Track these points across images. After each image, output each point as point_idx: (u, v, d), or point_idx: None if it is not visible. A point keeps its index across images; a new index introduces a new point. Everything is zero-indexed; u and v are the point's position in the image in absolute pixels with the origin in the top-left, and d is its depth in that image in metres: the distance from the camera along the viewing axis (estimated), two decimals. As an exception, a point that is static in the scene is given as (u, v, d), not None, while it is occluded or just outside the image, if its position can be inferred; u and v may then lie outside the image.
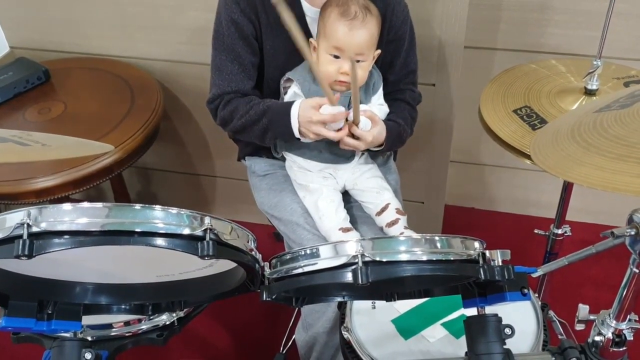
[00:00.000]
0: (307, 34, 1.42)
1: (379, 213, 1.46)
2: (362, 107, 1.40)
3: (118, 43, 2.04)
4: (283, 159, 1.56)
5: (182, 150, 2.26)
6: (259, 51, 1.43)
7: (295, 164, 1.49)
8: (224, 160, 2.24)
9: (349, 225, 1.42)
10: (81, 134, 1.69)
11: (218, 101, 1.45)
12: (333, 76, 1.35)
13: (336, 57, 1.33)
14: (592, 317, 1.02)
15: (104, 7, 1.96)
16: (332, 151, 1.45)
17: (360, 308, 1.27)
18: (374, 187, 1.49)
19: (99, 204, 0.79)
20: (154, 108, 1.84)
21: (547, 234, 1.64)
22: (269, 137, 1.42)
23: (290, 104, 1.36)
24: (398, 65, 1.50)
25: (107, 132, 1.74)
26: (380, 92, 1.48)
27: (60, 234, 0.76)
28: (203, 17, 1.85)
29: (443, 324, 1.25)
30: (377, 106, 1.47)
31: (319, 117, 1.30)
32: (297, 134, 1.35)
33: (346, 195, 1.52)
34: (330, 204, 1.43)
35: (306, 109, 1.32)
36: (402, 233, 1.40)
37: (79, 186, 1.68)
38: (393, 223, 1.43)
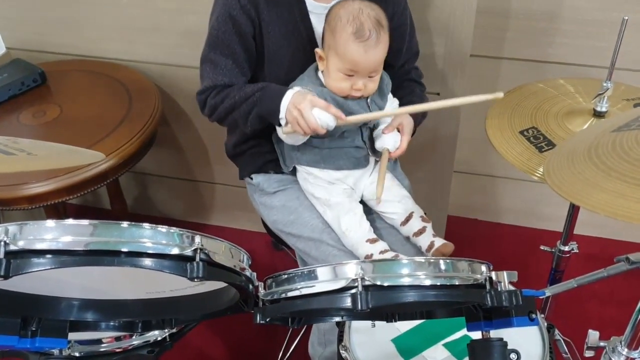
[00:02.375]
0: (311, 32, 1.38)
1: (404, 223, 1.42)
2: (386, 119, 1.43)
3: (116, 46, 2.00)
4: (292, 174, 1.51)
5: (180, 155, 2.22)
6: (254, 51, 1.39)
7: (310, 175, 1.44)
8: (223, 167, 2.20)
9: (374, 236, 1.38)
10: (76, 139, 1.66)
11: (209, 91, 1.40)
12: (346, 92, 1.32)
13: (349, 75, 1.30)
14: (602, 344, 0.98)
15: (103, 9, 1.92)
16: (346, 155, 1.42)
17: (359, 326, 1.23)
18: (395, 197, 1.45)
19: (85, 221, 0.75)
20: (152, 113, 1.80)
21: (553, 250, 1.59)
22: (252, 115, 1.35)
23: (289, 87, 1.33)
24: (404, 50, 1.49)
25: (102, 137, 1.70)
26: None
27: (40, 253, 0.71)
28: (203, 21, 1.79)
29: (445, 345, 1.21)
30: (391, 102, 1.46)
31: (309, 114, 1.25)
32: (282, 113, 1.30)
33: (364, 207, 1.47)
34: (354, 217, 1.38)
35: (301, 97, 1.28)
36: (432, 242, 1.37)
37: (73, 192, 1.64)
38: (420, 232, 1.39)
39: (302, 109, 1.25)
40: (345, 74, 1.29)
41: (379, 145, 1.41)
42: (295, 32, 1.37)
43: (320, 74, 1.36)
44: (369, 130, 1.45)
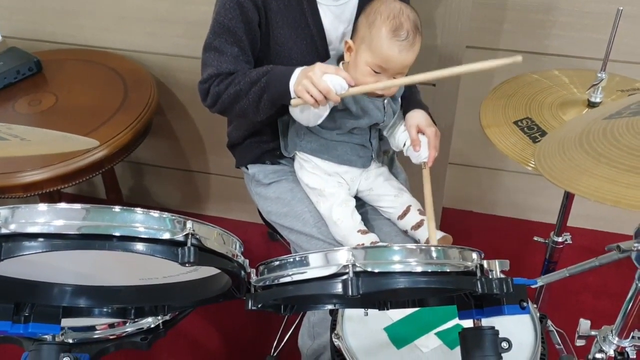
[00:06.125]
0: (319, 23, 1.36)
1: (401, 217, 1.42)
2: (400, 126, 1.44)
3: (113, 35, 1.99)
4: (289, 163, 1.51)
5: (175, 145, 2.22)
6: (259, 41, 1.37)
7: (309, 164, 1.43)
8: (218, 157, 2.20)
9: (365, 228, 1.38)
10: (71, 127, 1.65)
11: (213, 79, 1.35)
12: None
13: (376, 72, 1.28)
14: (593, 333, 0.98)
15: (100, -1, 1.92)
16: (352, 151, 1.42)
17: (352, 315, 1.23)
18: (392, 191, 1.46)
19: (77, 206, 0.75)
20: (147, 102, 1.80)
21: (546, 241, 1.59)
22: (263, 102, 1.31)
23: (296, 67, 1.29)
24: None
25: (98, 125, 1.69)
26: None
27: (32, 236, 0.71)
28: (201, 11, 1.81)
29: (437, 334, 1.21)
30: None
31: (320, 79, 1.21)
32: (291, 88, 1.26)
33: (358, 200, 1.47)
34: (346, 208, 1.39)
35: (309, 67, 1.25)
36: None
37: (68, 181, 1.64)
38: (419, 225, 1.40)
39: (312, 76, 1.21)
40: (373, 69, 1.28)
41: (416, 161, 1.40)
42: (303, 23, 1.35)
43: (341, 67, 1.35)
44: (377, 133, 1.45)
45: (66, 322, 0.98)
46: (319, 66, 1.23)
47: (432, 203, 1.33)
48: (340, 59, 1.38)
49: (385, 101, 1.37)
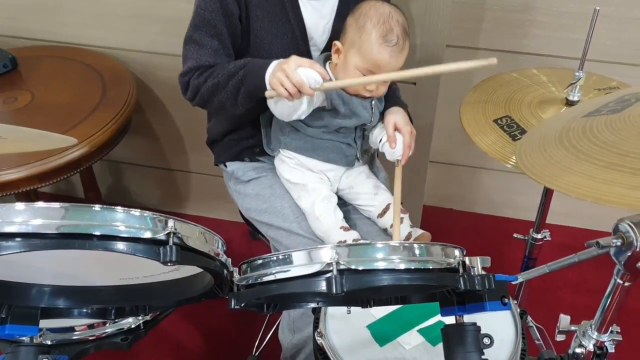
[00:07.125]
0: (299, 19, 1.35)
1: (381, 215, 1.43)
2: (378, 127, 1.42)
3: (91, 32, 1.97)
4: (268, 161, 1.51)
5: (155, 144, 2.20)
6: (239, 34, 1.36)
7: (292, 160, 1.43)
8: (199, 156, 2.19)
9: (347, 225, 1.39)
10: (49, 126, 1.63)
11: (193, 72, 1.35)
12: (358, 89, 1.31)
13: (365, 75, 1.29)
14: (573, 328, 0.99)
15: (77, -5, 1.89)
16: (337, 150, 1.42)
17: (335, 313, 1.23)
18: (371, 189, 1.46)
19: (56, 204, 0.74)
20: (126, 100, 1.78)
21: (526, 238, 1.61)
22: (241, 95, 1.31)
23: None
24: None
25: (75, 123, 1.67)
26: None
27: (9, 236, 0.70)
28: (180, 8, 1.79)
29: (420, 331, 1.22)
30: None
31: (294, 72, 1.21)
32: (266, 79, 1.25)
33: (338, 199, 1.47)
34: (329, 204, 1.39)
35: (284, 60, 1.25)
36: (409, 232, 1.39)
37: (45, 180, 1.62)
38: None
39: (286, 69, 1.21)
40: (363, 73, 1.28)
41: (390, 158, 1.41)
42: (283, 17, 1.35)
43: (328, 67, 1.35)
44: (362, 132, 1.45)
45: (44, 323, 0.97)
46: (294, 59, 1.23)
47: (399, 201, 1.35)
48: (326, 59, 1.38)
49: (373, 102, 1.37)
